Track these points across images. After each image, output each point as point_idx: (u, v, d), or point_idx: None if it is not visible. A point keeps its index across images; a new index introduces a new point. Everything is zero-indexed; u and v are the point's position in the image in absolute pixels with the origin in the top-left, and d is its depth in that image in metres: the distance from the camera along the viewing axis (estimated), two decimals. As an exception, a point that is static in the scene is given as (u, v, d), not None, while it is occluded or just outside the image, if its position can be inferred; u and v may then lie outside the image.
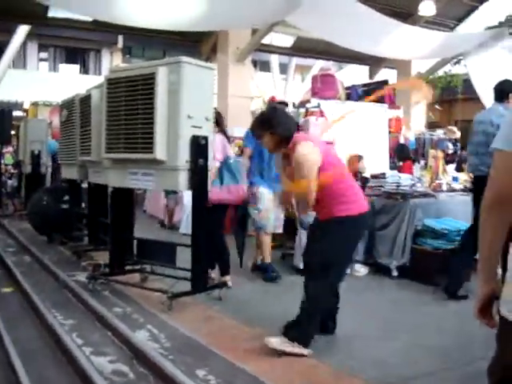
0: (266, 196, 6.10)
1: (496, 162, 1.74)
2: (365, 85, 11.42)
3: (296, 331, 3.77)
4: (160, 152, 4.67)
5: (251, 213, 6.09)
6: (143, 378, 3.54)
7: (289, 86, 22.95)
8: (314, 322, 3.83)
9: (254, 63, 21.50)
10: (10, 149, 17.12)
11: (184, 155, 4.66)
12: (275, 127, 3.96)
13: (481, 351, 3.91)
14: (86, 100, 6.39)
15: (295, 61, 22.72)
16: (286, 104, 7.59)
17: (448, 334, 4.30)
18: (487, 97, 12.08)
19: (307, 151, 3.78)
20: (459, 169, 9.79)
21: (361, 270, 6.23)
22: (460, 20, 15.41)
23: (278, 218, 6.34)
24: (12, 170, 16.88)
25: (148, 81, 4.74)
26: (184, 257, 5.16)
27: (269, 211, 6.11)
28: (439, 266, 5.70)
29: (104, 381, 3.44)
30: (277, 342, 3.73)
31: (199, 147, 4.71)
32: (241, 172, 5.50)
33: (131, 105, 4.90)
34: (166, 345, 3.95)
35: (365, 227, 4.35)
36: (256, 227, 6.31)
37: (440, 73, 15.32)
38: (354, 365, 3.59)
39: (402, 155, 9.77)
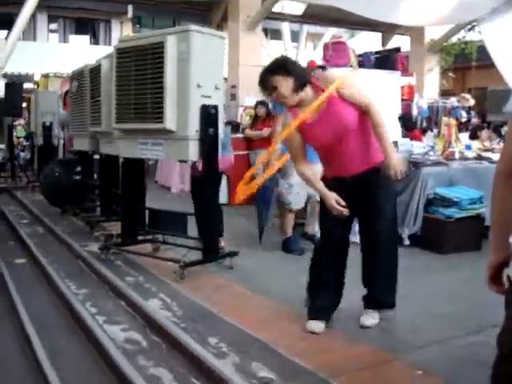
0: None
1: (509, 127, 1.69)
2: (377, 52, 11.27)
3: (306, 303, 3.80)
4: (170, 122, 4.65)
5: (281, 186, 5.83)
6: (156, 346, 3.58)
7: (300, 55, 22.71)
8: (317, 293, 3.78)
9: (265, 31, 21.23)
10: (22, 121, 17.15)
11: (194, 125, 4.64)
12: (291, 71, 3.54)
13: (491, 319, 3.91)
14: (95, 70, 6.36)
15: (307, 29, 22.42)
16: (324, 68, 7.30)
17: (458, 302, 4.30)
18: (503, 63, 11.89)
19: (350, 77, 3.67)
20: (473, 137, 9.69)
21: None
22: (475, -15, 15.10)
23: (305, 195, 5.99)
24: (24, 143, 16.93)
25: (157, 50, 4.70)
26: (195, 226, 5.19)
27: (300, 187, 5.69)
28: (451, 235, 5.69)
29: (117, 349, 3.48)
30: None
31: (209, 116, 4.68)
32: (229, 143, 5.73)
33: (141, 74, 4.87)
34: (178, 313, 3.98)
35: None
36: (282, 202, 6.00)
37: (454, 39, 15.05)
38: (363, 333, 3.61)
39: (407, 124, 9.63)
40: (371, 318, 3.76)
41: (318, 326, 3.62)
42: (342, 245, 3.75)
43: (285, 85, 3.54)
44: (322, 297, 3.73)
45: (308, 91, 3.57)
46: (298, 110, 3.58)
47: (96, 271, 5.19)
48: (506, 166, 1.67)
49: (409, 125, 9.69)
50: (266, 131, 8.77)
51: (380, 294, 3.81)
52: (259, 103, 9.41)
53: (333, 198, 3.44)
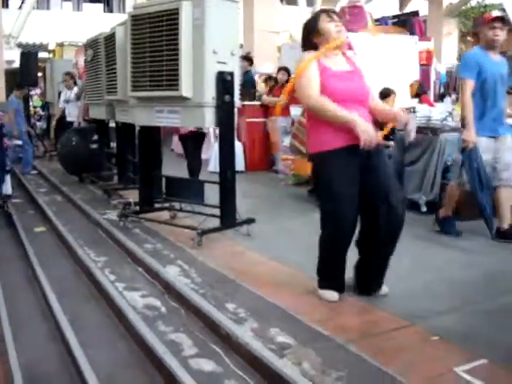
0: (484, 145, 4.99)
1: None
2: (395, 16, 11.07)
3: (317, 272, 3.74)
4: (186, 89, 4.63)
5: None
6: (174, 311, 3.64)
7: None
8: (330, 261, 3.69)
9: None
10: (38, 91, 17.19)
11: (210, 91, 4.63)
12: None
13: (510, 285, 3.92)
14: (110, 38, 6.33)
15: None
16: None
17: (476, 268, 4.28)
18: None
19: None
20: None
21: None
22: None
23: None
24: (41, 112, 17.00)
25: (172, 16, 4.66)
26: (212, 194, 5.20)
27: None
28: (468, 201, 5.64)
29: (137, 315, 3.54)
30: None
31: (225, 83, 4.66)
32: None
33: (156, 41, 4.84)
34: (197, 280, 4.02)
35: None
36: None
37: (473, 3, 14.77)
38: (380, 299, 3.62)
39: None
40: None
41: (332, 295, 3.60)
42: (355, 223, 3.57)
43: None
44: (337, 268, 3.65)
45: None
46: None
47: (114, 239, 5.24)
48: None
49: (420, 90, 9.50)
50: (283, 98, 8.70)
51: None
52: (281, 69, 9.32)
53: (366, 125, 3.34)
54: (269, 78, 10.24)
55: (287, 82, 8.80)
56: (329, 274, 3.66)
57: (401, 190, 3.78)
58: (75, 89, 10.49)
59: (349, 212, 3.48)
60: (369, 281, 3.69)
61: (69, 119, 10.51)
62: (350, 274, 3.70)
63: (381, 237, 3.52)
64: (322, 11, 3.68)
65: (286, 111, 8.03)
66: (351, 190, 3.45)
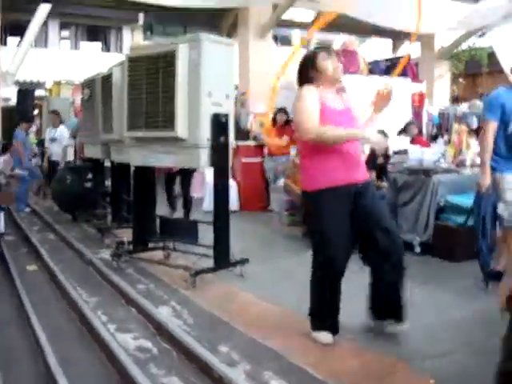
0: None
1: None
2: (387, 59, 11.28)
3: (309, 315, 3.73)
4: (181, 130, 4.68)
5: (499, 208, 5.04)
6: (166, 353, 3.60)
7: (310, 62, 22.69)
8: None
9: (275, 38, 21.28)
10: (34, 128, 17.24)
11: (205, 133, 4.67)
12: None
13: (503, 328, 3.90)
14: (107, 78, 6.40)
15: (316, 36, 22.45)
16: None
17: (472, 310, 4.27)
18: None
19: None
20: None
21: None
22: (485, -9, 15.08)
23: None
24: (36, 150, 17.02)
25: (168, 58, 4.74)
26: (206, 234, 5.19)
27: None
28: (462, 243, 5.66)
29: (128, 357, 3.49)
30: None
31: (220, 125, 4.71)
32: None
33: (152, 83, 4.90)
34: (189, 321, 3.99)
35: None
36: (504, 225, 5.05)
37: (464, 46, 15.04)
38: (374, 341, 3.60)
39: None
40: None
41: (326, 337, 3.57)
42: (346, 262, 3.60)
43: None
44: (330, 308, 3.65)
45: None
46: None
47: (107, 279, 5.21)
48: None
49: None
50: (284, 139, 8.87)
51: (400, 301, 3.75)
52: (280, 110, 9.43)
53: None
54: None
55: (287, 122, 8.92)
56: (322, 315, 3.64)
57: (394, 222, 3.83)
58: (61, 127, 10.55)
59: (340, 252, 3.52)
60: (381, 306, 3.73)
61: (53, 159, 10.56)
62: (344, 313, 3.68)
63: (385, 263, 3.60)
64: (321, 48, 3.79)
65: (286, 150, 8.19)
66: (342, 228, 3.51)
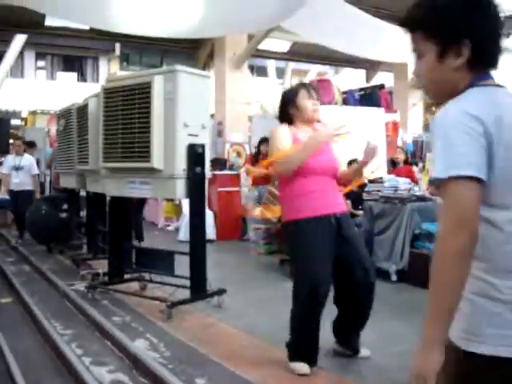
0: None
1: None
2: (361, 89, 11.41)
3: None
4: (157, 161, 4.68)
5: None
6: (143, 387, 3.55)
7: (286, 91, 22.89)
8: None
9: (251, 69, 21.50)
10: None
11: (181, 163, 4.68)
12: None
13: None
14: (83, 109, 6.40)
15: (292, 65, 22.72)
16: None
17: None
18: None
19: None
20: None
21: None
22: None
23: None
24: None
25: (144, 90, 4.76)
26: (183, 264, 5.16)
27: None
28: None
29: (104, 391, 3.45)
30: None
31: (196, 155, 4.73)
32: None
33: (128, 114, 4.92)
34: (166, 354, 3.95)
35: None
36: None
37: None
38: (350, 370, 3.59)
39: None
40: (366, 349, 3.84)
41: (303, 368, 3.54)
42: (328, 289, 3.62)
43: None
44: (309, 339, 3.62)
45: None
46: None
47: (82, 311, 5.14)
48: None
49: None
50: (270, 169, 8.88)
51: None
52: (264, 140, 9.49)
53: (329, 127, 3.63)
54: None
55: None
56: (300, 345, 3.62)
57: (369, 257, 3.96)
58: (26, 155, 10.04)
59: (325, 280, 3.53)
60: (348, 337, 3.82)
61: (19, 188, 9.68)
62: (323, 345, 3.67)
63: (358, 296, 3.69)
64: (302, 86, 3.83)
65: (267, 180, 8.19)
66: (327, 256, 3.53)
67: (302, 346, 3.61)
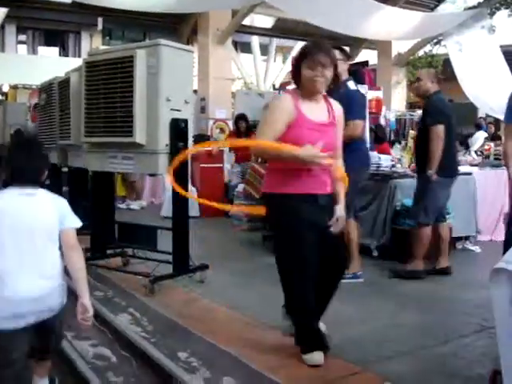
0: None
1: None
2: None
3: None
4: (139, 135, 4.65)
5: None
6: (126, 361, 3.56)
7: (270, 68, 22.85)
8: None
9: (235, 44, 21.36)
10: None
11: (163, 138, 4.65)
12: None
13: (459, 329, 4.00)
14: (64, 83, 6.33)
15: (276, 42, 22.62)
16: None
17: (426, 312, 4.36)
18: (465, 77, 12.16)
19: None
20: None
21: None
22: (440, 0, 15.43)
23: None
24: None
25: (126, 64, 4.70)
26: (166, 240, 5.17)
27: None
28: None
29: (86, 365, 3.46)
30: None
31: (178, 130, 4.70)
32: None
33: (110, 88, 4.86)
34: (148, 328, 3.96)
35: None
36: None
37: (420, 53, 15.34)
38: (334, 346, 3.63)
39: (379, 137, 9.76)
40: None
41: (320, 357, 3.33)
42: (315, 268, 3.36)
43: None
44: (314, 324, 3.45)
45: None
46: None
47: (65, 286, 5.13)
48: None
49: (381, 137, 9.81)
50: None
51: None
52: (239, 117, 9.45)
53: (309, 148, 3.13)
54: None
55: (248, 128, 8.95)
56: (308, 331, 3.42)
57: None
58: None
59: (313, 255, 3.30)
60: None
61: None
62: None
63: (325, 275, 3.41)
64: (313, 52, 3.30)
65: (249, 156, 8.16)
66: (312, 234, 3.28)
67: (308, 330, 3.41)
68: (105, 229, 5.76)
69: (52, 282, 2.76)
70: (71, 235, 2.84)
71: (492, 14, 12.88)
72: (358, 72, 10.31)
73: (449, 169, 5.38)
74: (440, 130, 5.21)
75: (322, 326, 3.54)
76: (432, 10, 15.25)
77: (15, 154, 2.86)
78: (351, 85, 5.17)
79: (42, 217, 2.74)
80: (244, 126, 9.15)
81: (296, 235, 3.29)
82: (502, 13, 13.01)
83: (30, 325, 2.65)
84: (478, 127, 13.74)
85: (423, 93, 5.52)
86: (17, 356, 2.62)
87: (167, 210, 8.51)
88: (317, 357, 3.31)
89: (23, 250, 2.66)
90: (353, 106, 4.76)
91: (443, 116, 5.31)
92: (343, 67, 4.87)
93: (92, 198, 5.88)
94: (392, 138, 11.93)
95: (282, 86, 8.72)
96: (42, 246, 2.73)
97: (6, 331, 2.56)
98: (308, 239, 3.27)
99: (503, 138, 4.54)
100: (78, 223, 2.85)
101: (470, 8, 13.57)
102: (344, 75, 4.89)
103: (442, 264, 5.59)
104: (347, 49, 8.42)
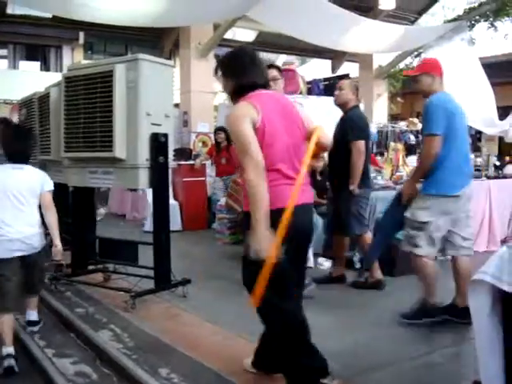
0: None
1: None
2: (326, 79, 11.48)
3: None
4: (119, 150, 4.63)
5: None
6: (106, 378, 3.54)
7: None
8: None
9: (218, 58, 21.41)
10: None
11: (144, 153, 4.64)
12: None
13: (438, 341, 4.01)
14: (44, 98, 6.29)
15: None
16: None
17: (405, 324, 4.36)
18: (446, 89, 12.28)
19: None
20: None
21: (324, 263, 6.29)
22: (420, 13, 15.61)
23: None
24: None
25: (106, 78, 4.69)
26: (148, 255, 5.14)
27: None
28: (401, 257, 5.78)
29: (67, 382, 3.43)
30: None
31: (159, 145, 4.69)
32: None
33: (90, 103, 4.85)
34: (130, 344, 3.93)
35: None
36: None
37: (401, 66, 15.48)
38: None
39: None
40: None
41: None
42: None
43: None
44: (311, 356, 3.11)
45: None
46: None
47: (45, 303, 5.09)
48: None
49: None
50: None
51: None
52: (218, 129, 9.43)
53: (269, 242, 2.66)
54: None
55: (227, 140, 8.94)
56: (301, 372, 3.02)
57: None
58: None
59: (297, 308, 3.07)
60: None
61: None
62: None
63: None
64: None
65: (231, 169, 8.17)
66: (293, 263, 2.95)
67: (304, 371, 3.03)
68: (86, 244, 5.73)
69: (35, 228, 4.11)
70: (48, 197, 4.25)
71: (471, 27, 13.03)
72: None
73: (368, 179, 5.59)
74: (362, 145, 5.34)
75: None
76: (412, 22, 15.43)
77: (8, 142, 4.33)
78: None
79: (29, 182, 4.13)
80: (222, 137, 9.10)
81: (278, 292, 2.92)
82: (482, 25, 13.16)
83: (21, 256, 4.01)
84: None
85: (343, 103, 5.54)
86: (13, 274, 3.96)
87: (150, 224, 8.47)
88: None
89: (16, 205, 4.02)
90: None
91: (364, 132, 5.49)
92: (280, 85, 4.84)
93: (72, 213, 5.83)
94: (375, 149, 11.99)
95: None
96: (28, 203, 4.09)
97: (4, 259, 3.92)
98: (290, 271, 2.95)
99: (425, 148, 4.37)
100: (52, 186, 4.32)
101: (449, 21, 13.73)
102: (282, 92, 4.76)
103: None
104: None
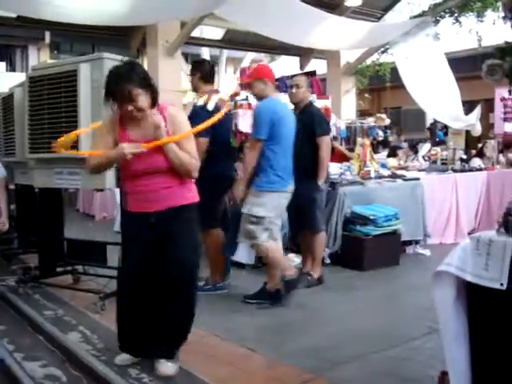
0: None
1: None
2: (293, 76, 11.47)
3: None
4: (85, 150, 4.58)
5: None
6: (76, 380, 3.51)
7: (221, 79, 22.89)
8: None
9: (185, 56, 21.31)
10: None
11: (110, 153, 4.59)
12: (152, 85, 3.57)
13: (409, 333, 4.07)
14: (8, 99, 6.19)
15: (226, 53, 22.66)
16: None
17: (377, 317, 4.43)
18: (412, 84, 12.41)
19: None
20: (391, 155, 10.03)
21: (294, 259, 6.31)
22: (386, 10, 15.72)
23: None
24: None
25: (70, 78, 4.63)
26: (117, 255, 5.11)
27: None
28: (369, 252, 5.86)
29: (35, 386, 3.39)
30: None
31: (125, 144, 4.64)
32: None
33: (54, 103, 4.79)
34: (99, 346, 3.91)
35: None
36: None
37: (368, 62, 15.59)
38: (286, 353, 3.65)
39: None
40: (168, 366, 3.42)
41: (125, 357, 3.57)
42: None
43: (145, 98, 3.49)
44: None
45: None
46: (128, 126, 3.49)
47: (13, 306, 5.03)
48: None
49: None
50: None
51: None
52: None
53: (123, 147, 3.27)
54: None
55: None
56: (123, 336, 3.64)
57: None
58: None
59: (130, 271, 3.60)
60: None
61: None
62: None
63: (167, 295, 3.44)
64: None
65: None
66: (136, 251, 3.50)
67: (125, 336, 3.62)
68: (53, 246, 5.66)
69: None
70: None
71: (436, 22, 13.17)
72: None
73: (328, 176, 5.71)
74: (328, 140, 5.50)
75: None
76: (379, 19, 15.53)
77: None
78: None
79: None
80: None
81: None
82: (447, 21, 13.31)
83: None
84: (432, 132, 14.04)
85: (300, 100, 5.54)
86: None
87: (119, 224, 8.41)
88: (122, 356, 3.58)
89: None
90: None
91: (328, 126, 5.70)
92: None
93: (39, 215, 5.76)
94: (344, 145, 12.07)
95: (232, 97, 8.74)
96: None
97: None
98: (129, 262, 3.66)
99: (249, 151, 4.86)
100: (4, 172, 5.43)
101: (415, 16, 13.85)
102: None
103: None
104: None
